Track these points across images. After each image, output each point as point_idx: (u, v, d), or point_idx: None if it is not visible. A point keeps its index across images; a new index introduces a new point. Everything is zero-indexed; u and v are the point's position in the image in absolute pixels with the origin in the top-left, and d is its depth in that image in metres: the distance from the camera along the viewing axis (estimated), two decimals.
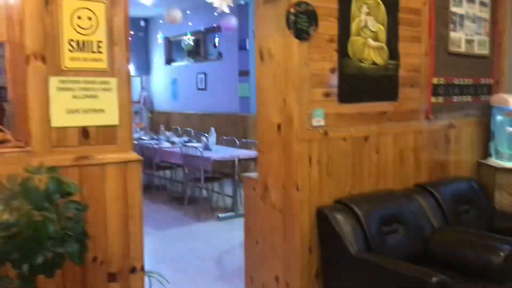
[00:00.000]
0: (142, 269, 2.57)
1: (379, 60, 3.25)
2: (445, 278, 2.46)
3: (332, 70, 3.03)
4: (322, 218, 2.94)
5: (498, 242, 2.94)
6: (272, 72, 3.01)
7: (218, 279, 4.03)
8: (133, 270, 2.54)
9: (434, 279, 2.42)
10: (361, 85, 3.19)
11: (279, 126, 2.99)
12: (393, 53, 3.33)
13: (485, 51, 4.10)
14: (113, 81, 2.44)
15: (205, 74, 9.33)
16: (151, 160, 6.89)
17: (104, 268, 2.45)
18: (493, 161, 4.01)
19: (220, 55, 8.95)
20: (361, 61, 3.16)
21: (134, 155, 2.52)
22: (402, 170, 3.50)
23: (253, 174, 3.38)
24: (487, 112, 4.13)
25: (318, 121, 2.98)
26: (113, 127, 2.47)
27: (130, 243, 2.52)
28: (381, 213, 3.02)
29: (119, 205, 2.47)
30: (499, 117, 4.02)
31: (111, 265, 2.47)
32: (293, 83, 2.89)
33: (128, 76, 2.51)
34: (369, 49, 3.20)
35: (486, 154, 4.12)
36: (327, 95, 3.02)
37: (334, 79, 3.04)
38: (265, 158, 3.15)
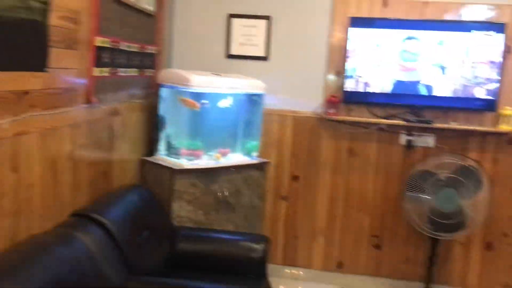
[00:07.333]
0: None
1: None
2: None
3: None
4: None
5: None
6: None
7: None
8: None
9: None
10: None
11: None
12: None
13: (151, 6, 2.95)
14: None
15: None
16: None
17: None
18: (163, 158, 2.97)
19: None
20: None
21: None
22: (56, 193, 2.00)
23: None
24: (154, 92, 3.03)
25: None
26: None
27: None
28: None
29: None
30: (171, 100, 2.99)
31: None
32: None
33: None
34: None
35: (152, 150, 3.05)
36: None
37: None
38: None
